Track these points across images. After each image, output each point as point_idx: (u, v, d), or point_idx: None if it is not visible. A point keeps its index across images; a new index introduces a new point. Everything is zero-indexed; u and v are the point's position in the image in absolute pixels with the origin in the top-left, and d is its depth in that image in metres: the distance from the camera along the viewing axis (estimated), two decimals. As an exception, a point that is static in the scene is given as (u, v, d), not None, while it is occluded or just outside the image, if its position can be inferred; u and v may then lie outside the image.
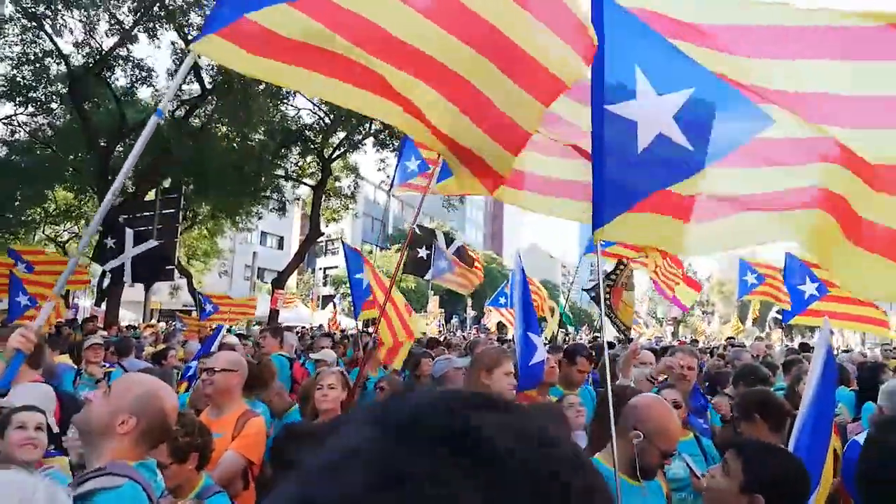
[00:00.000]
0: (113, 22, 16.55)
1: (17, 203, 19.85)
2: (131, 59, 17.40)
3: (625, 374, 4.86)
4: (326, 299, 34.26)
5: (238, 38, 2.62)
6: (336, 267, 44.90)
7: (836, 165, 2.70)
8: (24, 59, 16.68)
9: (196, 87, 17.68)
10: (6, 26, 16.42)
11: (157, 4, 15.85)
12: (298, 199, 27.52)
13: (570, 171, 3.83)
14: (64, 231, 27.09)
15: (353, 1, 2.68)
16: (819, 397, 2.89)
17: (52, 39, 16.23)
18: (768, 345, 14.92)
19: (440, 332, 22.56)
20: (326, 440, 0.50)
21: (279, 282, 21.39)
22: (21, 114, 19.07)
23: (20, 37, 16.53)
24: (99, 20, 16.47)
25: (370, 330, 9.11)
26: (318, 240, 27.01)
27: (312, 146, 21.52)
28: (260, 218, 24.20)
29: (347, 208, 25.28)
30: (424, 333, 13.57)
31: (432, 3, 2.77)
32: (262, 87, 16.25)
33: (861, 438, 3.26)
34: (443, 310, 30.49)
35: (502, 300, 13.94)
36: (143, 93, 19.01)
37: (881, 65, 2.59)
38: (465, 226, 70.83)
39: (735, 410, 3.91)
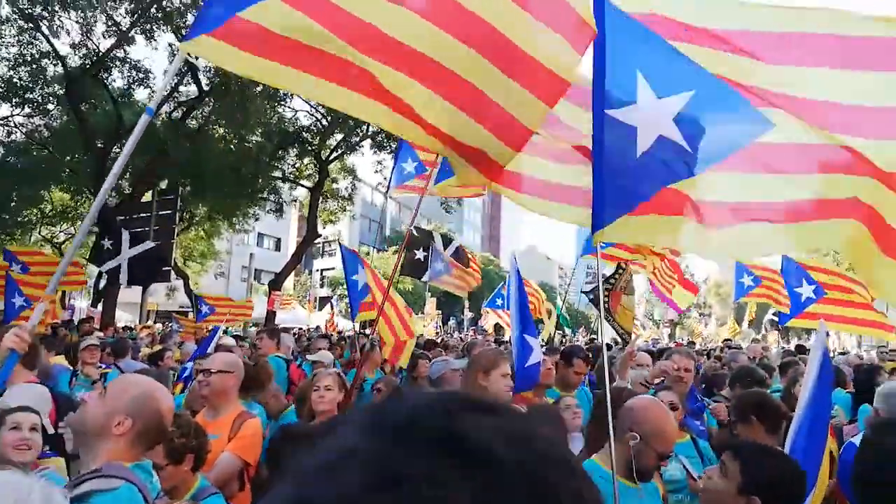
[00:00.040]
0: (110, 23, 16.51)
1: (13, 204, 19.81)
2: (128, 60, 17.36)
3: (622, 377, 4.86)
4: (323, 301, 34.22)
5: (230, 37, 2.61)
6: (333, 269, 44.88)
7: (863, 177, 2.69)
8: (20, 61, 16.63)
9: (193, 88, 17.66)
10: (3, 27, 16.37)
11: (155, 6, 15.83)
12: (295, 201, 27.49)
13: (569, 175, 3.83)
14: (60, 232, 27.01)
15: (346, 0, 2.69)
16: (815, 399, 2.89)
17: (48, 41, 16.18)
18: (765, 347, 14.95)
19: (437, 333, 22.57)
20: (323, 441, 0.50)
21: (276, 283, 21.38)
22: (17, 115, 19.04)
23: (17, 38, 16.49)
24: (96, 21, 16.42)
25: (367, 331, 9.10)
26: (315, 241, 26.99)
27: (310, 148, 21.51)
28: (257, 219, 24.17)
29: (345, 210, 25.26)
30: (421, 335, 13.58)
31: (428, 2, 2.77)
32: (259, 88, 16.23)
33: (857, 441, 3.26)
34: (440, 311, 30.51)
35: (499, 301, 13.96)
36: (141, 94, 18.96)
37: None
38: (463, 228, 70.87)
39: (731, 412, 3.91)
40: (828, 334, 3.55)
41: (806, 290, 8.49)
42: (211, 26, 2.59)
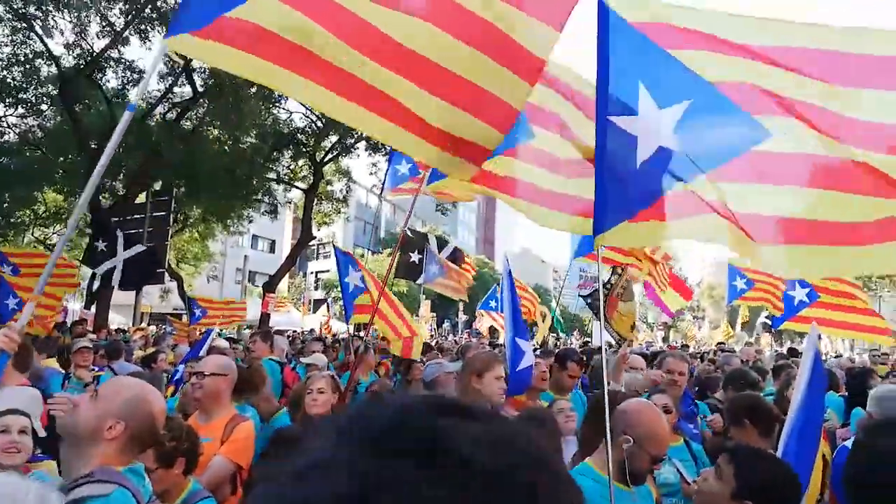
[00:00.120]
0: (104, 24, 16.47)
1: (5, 205, 19.72)
2: (122, 60, 17.33)
3: (615, 380, 4.86)
4: (318, 303, 34.16)
5: (218, 35, 2.61)
6: (328, 271, 44.80)
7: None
8: (14, 61, 16.56)
9: (188, 89, 17.62)
10: (-4, 27, 16.32)
11: (149, 6, 15.80)
12: (290, 203, 27.46)
13: (571, 186, 3.86)
14: (53, 233, 26.87)
15: None
16: (807, 403, 2.90)
17: (42, 41, 16.12)
18: (758, 350, 15.00)
19: (432, 336, 22.54)
20: (300, 447, 0.50)
21: (270, 285, 21.33)
22: (11, 115, 18.95)
23: (10, 38, 16.41)
24: (90, 22, 16.37)
25: (361, 334, 9.09)
26: (310, 243, 26.94)
27: (304, 149, 21.49)
28: (250, 221, 24.11)
29: (339, 212, 25.26)
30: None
31: None
32: (253, 90, 16.21)
33: (850, 444, 3.27)
34: (434, 314, 30.51)
35: (493, 304, 13.96)
36: (135, 95, 18.93)
37: None
38: (458, 230, 70.90)
39: (724, 415, 3.92)
40: (819, 337, 3.55)
41: (799, 294, 8.51)
42: (196, 25, 2.59)
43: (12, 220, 21.09)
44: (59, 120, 18.53)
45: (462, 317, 34.46)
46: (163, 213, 17.71)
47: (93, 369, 6.76)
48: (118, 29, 16.36)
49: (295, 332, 20.62)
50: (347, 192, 24.68)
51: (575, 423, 4.16)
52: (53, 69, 16.69)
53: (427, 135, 3.00)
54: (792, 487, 2.20)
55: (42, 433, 3.36)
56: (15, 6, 15.35)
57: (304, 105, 19.43)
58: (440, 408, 0.52)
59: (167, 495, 2.65)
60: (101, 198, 17.50)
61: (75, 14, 15.91)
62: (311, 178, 22.03)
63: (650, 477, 2.84)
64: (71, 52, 16.74)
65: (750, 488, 2.15)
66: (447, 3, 2.83)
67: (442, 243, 12.59)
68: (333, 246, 8.90)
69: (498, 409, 3.36)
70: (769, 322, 16.84)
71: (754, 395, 4.17)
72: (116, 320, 22.70)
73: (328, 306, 25.30)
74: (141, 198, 18.35)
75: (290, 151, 21.74)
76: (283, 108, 20.44)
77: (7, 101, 17.14)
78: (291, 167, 23.18)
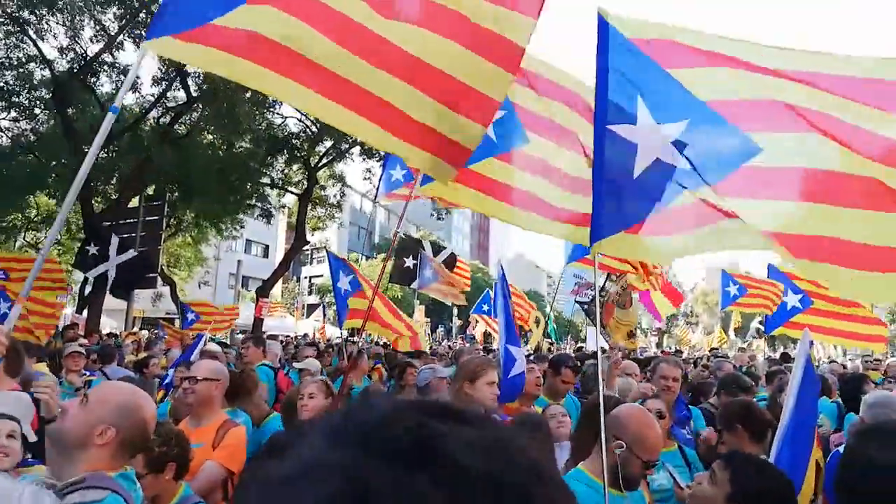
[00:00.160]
0: (98, 28, 16.42)
1: (-3, 209, 19.59)
2: (116, 65, 17.26)
3: (608, 385, 4.86)
4: (311, 308, 34.07)
5: (203, 38, 2.62)
6: (321, 276, 44.66)
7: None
8: (6, 64, 16.47)
9: (182, 94, 17.58)
10: (-11, 30, 16.25)
11: (143, 11, 15.75)
12: (284, 208, 27.38)
13: (568, 200, 3.88)
14: (45, 238, 26.75)
15: None
16: (799, 408, 2.91)
17: (35, 44, 16.06)
18: (751, 355, 15.03)
19: (426, 341, 22.47)
20: (286, 452, 0.49)
21: (264, 290, 21.26)
22: (3, 119, 18.85)
23: (3, 41, 16.33)
24: (84, 26, 16.32)
25: (355, 339, 9.06)
26: (304, 249, 26.87)
27: (298, 154, 21.44)
28: (243, 227, 24.02)
29: (333, 217, 25.20)
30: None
31: None
32: (248, 94, 16.19)
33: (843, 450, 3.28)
34: (429, 319, 30.41)
35: (485, 307, 13.96)
36: (128, 99, 18.85)
37: None
38: (452, 235, 70.93)
39: (717, 420, 3.92)
40: (811, 343, 3.56)
41: (792, 300, 8.56)
42: (178, 28, 2.59)
43: (4, 225, 20.95)
44: (52, 124, 18.43)
45: (456, 322, 34.44)
46: (156, 218, 17.64)
47: (84, 374, 6.71)
48: (112, 33, 16.31)
49: (288, 336, 20.53)
50: (342, 197, 24.63)
51: (568, 429, 4.16)
52: (47, 73, 16.61)
53: (413, 135, 3.01)
54: (786, 494, 2.20)
55: (32, 438, 3.33)
56: (8, 10, 15.30)
57: (298, 110, 19.45)
58: (433, 412, 0.51)
59: (159, 500, 2.63)
60: (93, 202, 17.42)
61: (69, 18, 15.86)
62: (305, 182, 21.99)
63: (644, 483, 2.84)
64: (64, 56, 16.67)
65: (744, 494, 2.15)
66: (432, 6, 2.86)
67: (437, 249, 12.59)
68: (327, 251, 8.89)
69: (490, 414, 3.35)
70: (762, 327, 16.91)
71: (747, 400, 4.17)
72: (108, 324, 22.57)
73: (323, 310, 25.21)
74: (134, 202, 18.26)
75: (284, 156, 21.68)
76: (278, 113, 20.39)
77: (0, 104, 17.05)
78: (285, 172, 23.11)
